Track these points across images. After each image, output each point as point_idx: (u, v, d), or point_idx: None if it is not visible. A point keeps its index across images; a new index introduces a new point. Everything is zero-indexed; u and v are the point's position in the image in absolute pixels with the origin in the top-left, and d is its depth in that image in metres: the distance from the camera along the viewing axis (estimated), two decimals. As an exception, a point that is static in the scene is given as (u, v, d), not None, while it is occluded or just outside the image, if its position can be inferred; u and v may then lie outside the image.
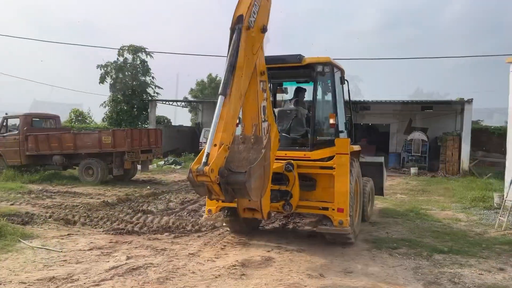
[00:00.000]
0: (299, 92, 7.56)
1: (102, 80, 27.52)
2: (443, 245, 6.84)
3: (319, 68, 6.64)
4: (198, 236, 7.13)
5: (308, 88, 7.79)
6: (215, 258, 5.89)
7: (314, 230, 6.98)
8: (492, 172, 17.93)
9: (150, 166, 17.17)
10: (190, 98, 41.02)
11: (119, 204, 10.17)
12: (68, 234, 7.03)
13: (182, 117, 71.05)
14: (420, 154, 21.95)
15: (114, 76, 27.53)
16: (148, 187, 13.63)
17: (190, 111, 39.57)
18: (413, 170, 20.26)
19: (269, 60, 5.96)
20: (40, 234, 6.99)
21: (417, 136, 22.26)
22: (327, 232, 6.23)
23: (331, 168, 6.10)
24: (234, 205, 6.05)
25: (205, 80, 43.43)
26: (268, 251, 6.26)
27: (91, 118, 32.12)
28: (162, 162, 21.79)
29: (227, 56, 4.84)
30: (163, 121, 30.62)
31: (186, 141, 30.14)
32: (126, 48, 27.76)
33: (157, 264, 5.51)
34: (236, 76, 4.80)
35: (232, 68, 4.75)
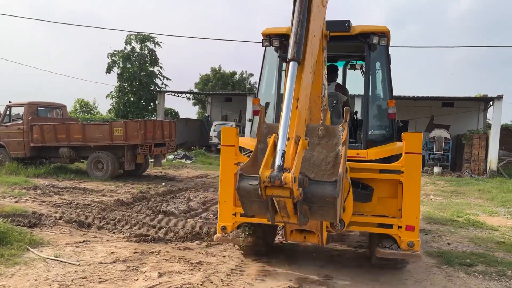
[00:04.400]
0: (331, 72, 6.14)
1: (109, 69, 26.46)
2: (523, 261, 5.85)
3: (375, 40, 5.35)
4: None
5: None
6: (263, 275, 4.91)
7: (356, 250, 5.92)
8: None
9: (162, 161, 16.14)
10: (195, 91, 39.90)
11: (135, 203, 9.18)
12: (83, 241, 6.02)
13: (187, 111, 69.78)
14: (442, 153, 20.95)
15: (121, 65, 26.46)
16: (163, 183, 12.61)
17: (194, 104, 38.55)
18: (436, 169, 19.28)
19: None
20: (51, 240, 6.00)
21: (439, 133, 21.23)
22: (393, 257, 4.79)
23: (397, 172, 4.69)
24: (256, 220, 4.79)
25: (209, 73, 42.10)
26: (319, 274, 5.27)
27: (96, 109, 31.16)
28: (172, 156, 20.77)
29: (293, 7, 3.32)
30: (170, 113, 29.63)
31: (195, 135, 29.23)
32: (134, 37, 26.66)
33: (197, 284, 4.48)
34: (310, 34, 3.30)
35: (304, 21, 3.23)
